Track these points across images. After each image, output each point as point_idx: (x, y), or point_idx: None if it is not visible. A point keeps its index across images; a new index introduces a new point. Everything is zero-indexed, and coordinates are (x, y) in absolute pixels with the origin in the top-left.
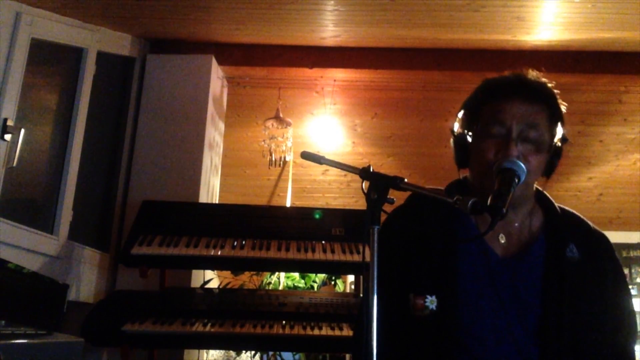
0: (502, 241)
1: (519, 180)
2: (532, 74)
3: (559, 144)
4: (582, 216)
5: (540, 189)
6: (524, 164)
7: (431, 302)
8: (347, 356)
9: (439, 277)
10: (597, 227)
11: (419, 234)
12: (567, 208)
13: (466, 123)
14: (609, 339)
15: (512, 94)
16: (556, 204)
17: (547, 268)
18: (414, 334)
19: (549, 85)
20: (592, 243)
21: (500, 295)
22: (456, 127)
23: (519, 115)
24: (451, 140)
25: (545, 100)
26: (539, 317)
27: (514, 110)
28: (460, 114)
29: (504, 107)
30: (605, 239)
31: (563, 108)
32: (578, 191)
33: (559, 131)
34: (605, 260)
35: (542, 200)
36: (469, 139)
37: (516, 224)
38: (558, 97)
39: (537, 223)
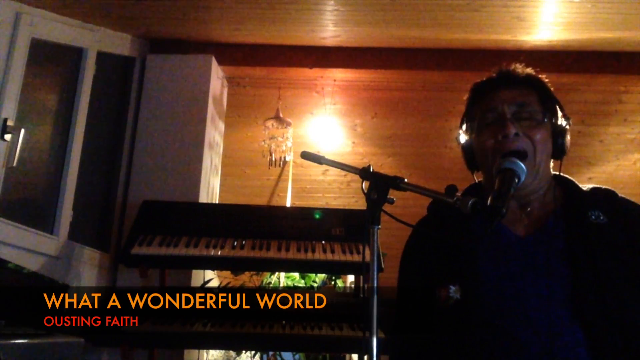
0: (523, 220)
1: (519, 180)
2: (519, 68)
3: (561, 122)
4: (612, 189)
5: (560, 173)
6: (528, 140)
7: (455, 291)
8: (347, 356)
9: (460, 266)
10: (628, 198)
11: (440, 234)
12: (598, 186)
13: (466, 128)
14: None
15: (499, 84)
16: (581, 185)
17: (568, 234)
18: (442, 326)
19: (538, 76)
20: (621, 209)
21: (527, 274)
22: (461, 136)
23: (508, 98)
24: (460, 148)
25: (532, 84)
26: (572, 285)
27: (502, 96)
28: (462, 125)
29: (492, 97)
30: (637, 207)
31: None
32: None
33: (558, 111)
34: (638, 225)
35: (562, 181)
36: (472, 141)
37: (536, 203)
38: (548, 84)
39: (557, 199)
